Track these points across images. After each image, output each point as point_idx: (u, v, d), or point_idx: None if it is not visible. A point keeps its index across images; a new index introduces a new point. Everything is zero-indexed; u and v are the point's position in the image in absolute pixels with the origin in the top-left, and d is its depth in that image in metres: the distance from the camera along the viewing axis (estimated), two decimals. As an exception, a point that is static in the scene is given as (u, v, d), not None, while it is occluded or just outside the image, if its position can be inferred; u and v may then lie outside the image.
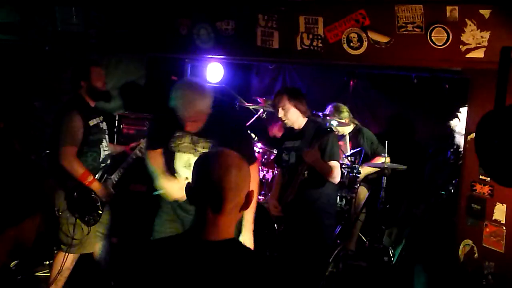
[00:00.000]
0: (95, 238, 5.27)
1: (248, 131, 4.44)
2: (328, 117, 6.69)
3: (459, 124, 4.77)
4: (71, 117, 5.02)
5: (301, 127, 5.41)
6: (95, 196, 5.15)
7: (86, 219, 5.11)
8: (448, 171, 4.90)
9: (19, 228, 1.83)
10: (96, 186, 5.12)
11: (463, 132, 4.70)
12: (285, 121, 5.37)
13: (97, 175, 5.16)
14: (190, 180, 2.32)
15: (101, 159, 5.23)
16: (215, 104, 4.33)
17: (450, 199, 4.70)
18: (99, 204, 5.17)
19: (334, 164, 5.26)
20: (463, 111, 4.77)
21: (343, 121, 6.87)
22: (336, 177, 5.30)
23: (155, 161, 4.54)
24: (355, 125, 7.18)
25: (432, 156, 5.15)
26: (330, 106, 7.05)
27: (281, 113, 5.33)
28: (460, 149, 4.87)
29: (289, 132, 5.49)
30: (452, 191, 4.72)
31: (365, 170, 6.66)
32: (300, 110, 5.34)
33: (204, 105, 4.24)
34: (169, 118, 4.33)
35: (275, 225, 5.47)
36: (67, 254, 5.14)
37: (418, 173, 5.17)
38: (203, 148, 4.35)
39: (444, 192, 4.84)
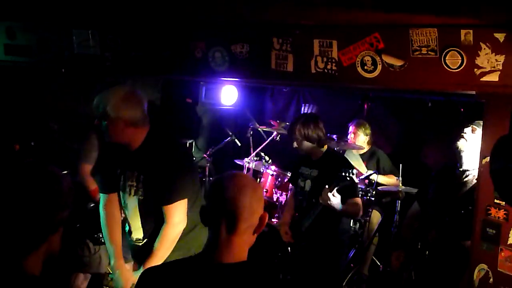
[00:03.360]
0: (105, 258, 5.27)
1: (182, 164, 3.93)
2: (342, 142, 6.72)
3: (465, 144, 4.76)
4: (88, 137, 5.21)
5: (318, 157, 5.32)
6: None
7: (95, 236, 5.11)
8: (456, 191, 4.89)
9: (49, 241, 1.87)
10: None
11: (470, 152, 4.71)
12: (300, 151, 5.32)
13: None
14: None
15: None
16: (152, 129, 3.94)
17: (460, 222, 4.67)
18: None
19: (357, 200, 5.15)
20: (467, 131, 4.77)
21: (361, 144, 6.96)
22: (359, 213, 5.22)
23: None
24: (370, 146, 7.22)
25: (436, 178, 5.13)
26: (354, 121, 7.14)
27: (294, 145, 5.28)
28: (463, 169, 4.87)
29: (307, 156, 5.43)
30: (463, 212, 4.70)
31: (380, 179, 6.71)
32: (313, 141, 5.23)
33: (121, 108, 3.75)
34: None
35: (288, 248, 5.44)
36: (76, 273, 5.18)
37: (425, 196, 5.15)
38: (135, 183, 3.95)
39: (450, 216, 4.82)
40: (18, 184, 1.93)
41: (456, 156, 4.87)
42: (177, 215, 3.81)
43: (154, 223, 3.94)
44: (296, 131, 5.20)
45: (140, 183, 3.92)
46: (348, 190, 4.99)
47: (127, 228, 4.15)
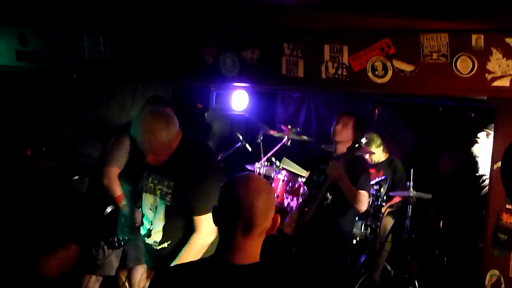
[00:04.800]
0: (116, 262, 5.29)
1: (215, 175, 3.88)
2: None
3: (480, 149, 4.74)
4: (120, 140, 5.07)
5: (341, 152, 5.22)
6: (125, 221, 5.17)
7: (110, 240, 5.12)
8: (473, 196, 4.87)
9: (67, 248, 1.87)
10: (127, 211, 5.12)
11: (485, 157, 4.68)
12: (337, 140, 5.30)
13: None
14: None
15: None
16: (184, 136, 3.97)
17: (475, 225, 4.65)
18: (126, 229, 5.19)
19: (363, 193, 5.02)
20: (481, 136, 4.74)
21: (378, 156, 6.96)
22: (362, 205, 5.05)
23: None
24: (388, 155, 7.20)
25: (453, 182, 5.11)
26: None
27: (339, 129, 5.27)
28: (479, 174, 4.84)
29: (324, 158, 5.38)
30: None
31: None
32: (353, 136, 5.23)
33: (164, 136, 3.78)
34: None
35: (291, 247, 5.39)
36: (88, 275, 5.21)
37: (440, 200, 5.13)
38: (166, 188, 3.94)
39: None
40: (41, 197, 1.94)
41: (471, 162, 4.85)
42: (208, 225, 3.72)
43: (176, 229, 3.90)
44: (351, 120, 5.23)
45: (170, 189, 3.89)
46: (361, 179, 4.99)
47: (144, 231, 4.09)
